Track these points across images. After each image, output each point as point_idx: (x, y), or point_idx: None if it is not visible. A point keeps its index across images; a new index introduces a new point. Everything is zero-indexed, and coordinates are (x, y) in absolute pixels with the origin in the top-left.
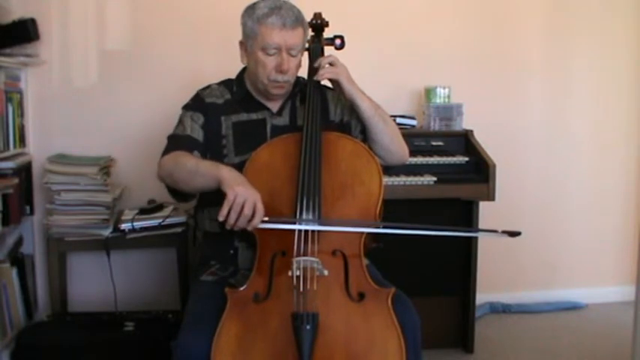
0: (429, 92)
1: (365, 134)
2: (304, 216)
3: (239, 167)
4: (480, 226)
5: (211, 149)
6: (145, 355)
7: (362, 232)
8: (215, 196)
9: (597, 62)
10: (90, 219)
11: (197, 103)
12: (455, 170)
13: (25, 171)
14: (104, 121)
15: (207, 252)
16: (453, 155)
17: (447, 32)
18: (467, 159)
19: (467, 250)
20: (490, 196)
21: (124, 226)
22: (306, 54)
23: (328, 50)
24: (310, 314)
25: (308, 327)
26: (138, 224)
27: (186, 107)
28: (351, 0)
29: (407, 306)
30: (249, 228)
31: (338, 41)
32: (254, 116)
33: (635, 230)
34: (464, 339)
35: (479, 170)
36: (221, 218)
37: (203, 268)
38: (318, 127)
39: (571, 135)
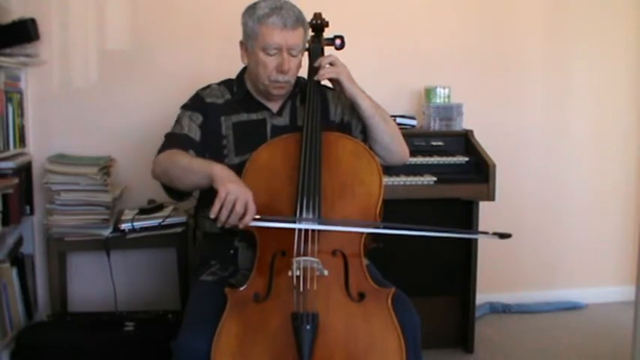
0: (429, 92)
1: (365, 134)
2: (304, 216)
3: (239, 167)
4: (480, 226)
5: (211, 149)
6: (145, 355)
7: (362, 232)
8: (215, 196)
9: (597, 62)
10: (90, 219)
11: (197, 103)
12: (455, 170)
13: (25, 171)
14: (104, 121)
15: (207, 252)
16: (452, 155)
17: (447, 32)
18: (467, 159)
19: (467, 250)
20: (490, 196)
21: (124, 226)
22: (306, 54)
23: (328, 50)
24: (310, 314)
25: (308, 327)
26: (138, 224)
27: (185, 107)
28: (351, 0)
29: (407, 306)
30: (241, 226)
31: (338, 41)
32: (254, 116)
33: (635, 230)
34: (464, 339)
35: (479, 170)
36: (212, 215)
37: (203, 268)
38: (318, 127)
39: (571, 135)
